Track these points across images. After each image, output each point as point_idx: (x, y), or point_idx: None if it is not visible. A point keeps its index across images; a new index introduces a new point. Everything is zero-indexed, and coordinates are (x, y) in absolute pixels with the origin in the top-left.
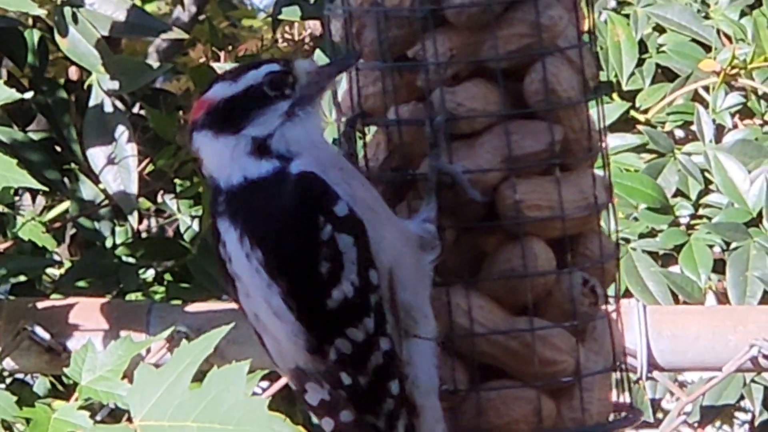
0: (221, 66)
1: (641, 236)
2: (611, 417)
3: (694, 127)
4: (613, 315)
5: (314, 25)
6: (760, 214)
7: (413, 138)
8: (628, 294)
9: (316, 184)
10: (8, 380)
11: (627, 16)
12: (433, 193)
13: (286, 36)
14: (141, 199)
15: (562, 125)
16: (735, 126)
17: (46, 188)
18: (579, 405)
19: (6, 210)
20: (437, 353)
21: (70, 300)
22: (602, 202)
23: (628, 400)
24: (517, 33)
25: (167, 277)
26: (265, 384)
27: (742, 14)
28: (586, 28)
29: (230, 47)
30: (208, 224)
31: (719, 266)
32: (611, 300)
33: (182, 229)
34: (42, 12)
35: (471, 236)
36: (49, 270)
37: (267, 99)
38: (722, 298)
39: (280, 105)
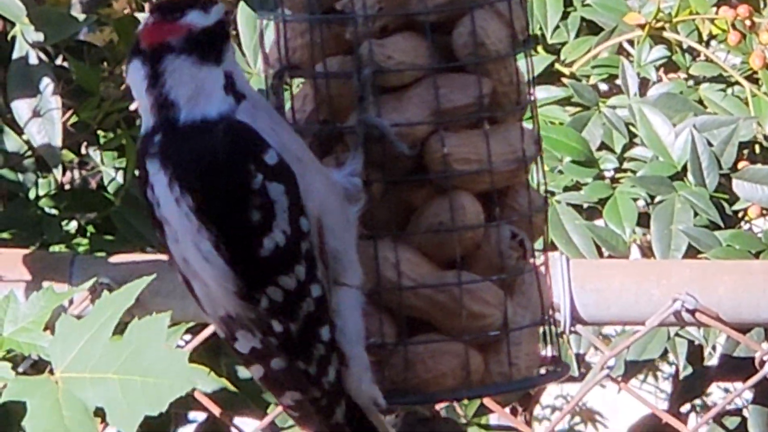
0: (146, 17)
1: (566, 189)
2: (539, 371)
3: (618, 81)
4: (541, 269)
5: None
6: (684, 167)
7: (341, 91)
8: (552, 247)
9: (246, 133)
10: None
11: None
12: (359, 146)
13: None
14: (64, 151)
15: (490, 78)
16: (660, 80)
17: None
18: (506, 359)
19: None
20: (363, 302)
21: None
22: (530, 156)
23: (554, 354)
24: None
25: (90, 228)
26: (188, 337)
27: None
28: None
29: None
30: (131, 176)
31: (644, 220)
32: (539, 254)
33: (106, 181)
34: None
35: (399, 190)
36: None
37: (227, 36)
38: (646, 251)
39: (232, 45)
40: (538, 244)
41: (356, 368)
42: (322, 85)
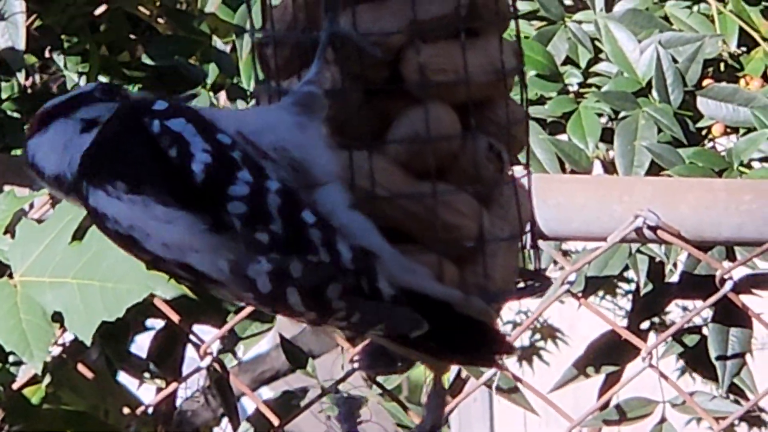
0: None
1: (530, 103)
2: (515, 285)
3: None
4: (524, 181)
5: None
6: (649, 83)
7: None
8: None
9: (126, 106)
10: None
11: None
12: (320, 55)
13: None
14: (27, 55)
15: None
16: None
17: None
18: (482, 271)
19: None
20: (348, 197)
21: None
22: (510, 68)
23: (535, 268)
24: None
25: None
26: None
27: None
28: None
29: None
30: (94, 81)
31: (607, 135)
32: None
33: (68, 86)
34: None
35: (375, 100)
36: None
37: (97, 99)
38: (609, 167)
39: (111, 104)
40: (521, 157)
41: (386, 258)
42: None
